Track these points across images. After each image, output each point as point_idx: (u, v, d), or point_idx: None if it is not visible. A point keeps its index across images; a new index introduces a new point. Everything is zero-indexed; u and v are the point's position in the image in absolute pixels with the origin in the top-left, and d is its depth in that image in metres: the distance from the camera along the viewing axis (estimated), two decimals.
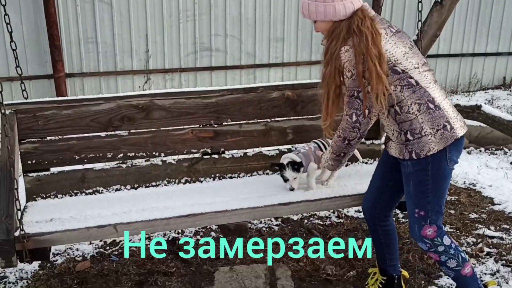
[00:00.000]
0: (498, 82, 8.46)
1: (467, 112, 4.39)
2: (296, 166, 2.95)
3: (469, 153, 5.55)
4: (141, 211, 2.82)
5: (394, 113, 2.48)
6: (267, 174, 3.39)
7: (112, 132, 3.15)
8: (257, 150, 3.39)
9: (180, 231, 3.76)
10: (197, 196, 3.03)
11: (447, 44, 7.97)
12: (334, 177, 3.16)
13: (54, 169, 3.10)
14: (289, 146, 3.40)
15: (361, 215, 4.08)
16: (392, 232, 2.88)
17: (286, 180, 3.00)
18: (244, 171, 3.37)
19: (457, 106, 4.57)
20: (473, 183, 4.72)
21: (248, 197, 2.96)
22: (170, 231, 3.68)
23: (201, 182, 3.30)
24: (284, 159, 3.00)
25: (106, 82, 6.71)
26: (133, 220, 2.70)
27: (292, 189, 3.00)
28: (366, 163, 3.54)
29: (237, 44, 7.08)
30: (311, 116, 3.43)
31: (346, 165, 3.49)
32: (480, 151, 5.58)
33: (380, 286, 2.92)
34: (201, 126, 3.27)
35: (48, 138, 3.06)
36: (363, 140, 3.47)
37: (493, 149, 5.61)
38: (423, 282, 3.12)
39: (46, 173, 3.08)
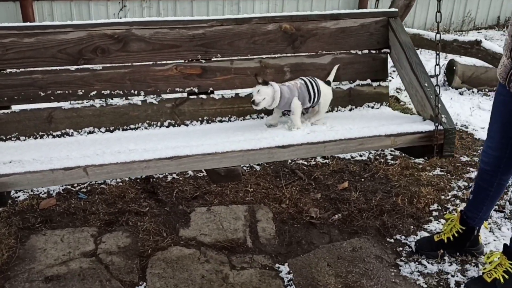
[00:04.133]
0: (492, 21, 8.22)
1: (465, 48, 4.15)
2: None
3: (461, 94, 5.43)
4: (116, 154, 2.41)
5: None
6: (262, 117, 3.00)
7: (83, 66, 2.72)
8: (250, 90, 2.98)
9: None
10: (182, 139, 2.64)
11: None
12: (322, 117, 2.85)
13: (15, 107, 2.68)
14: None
15: (348, 156, 3.99)
16: (505, 186, 2.77)
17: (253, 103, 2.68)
18: (236, 114, 2.97)
19: (455, 41, 4.31)
20: (465, 125, 4.58)
21: (241, 140, 2.57)
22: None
23: (187, 125, 2.90)
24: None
25: (78, 8, 6.13)
26: (107, 162, 2.30)
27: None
28: (372, 107, 3.16)
29: None
30: (311, 53, 3.03)
31: (350, 109, 3.12)
32: (473, 92, 5.45)
33: (456, 235, 2.77)
34: (186, 61, 2.86)
35: (8, 70, 2.62)
36: (368, 81, 3.12)
37: (487, 90, 5.46)
38: (412, 227, 3.04)
39: (5, 111, 2.66)
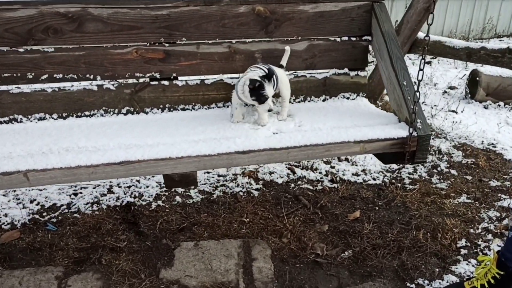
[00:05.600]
0: None
1: (495, 56, 3.71)
2: (271, 78, 2.46)
3: (485, 107, 4.88)
4: (64, 152, 2.25)
5: None
6: (228, 106, 2.82)
7: (34, 47, 2.50)
8: (217, 77, 2.78)
9: (137, 194, 3.23)
10: (138, 132, 2.47)
11: None
12: (286, 109, 2.67)
13: None
14: None
15: (360, 179, 3.52)
16: None
17: (265, 99, 2.45)
18: (200, 102, 2.78)
19: (482, 49, 3.89)
20: (492, 144, 4.09)
21: (199, 140, 2.41)
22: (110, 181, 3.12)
23: (147, 113, 2.72)
24: (254, 74, 2.46)
25: None
26: (50, 167, 2.14)
27: (271, 110, 2.52)
28: (348, 98, 2.98)
29: None
30: (285, 38, 2.80)
31: (324, 100, 2.94)
32: (499, 105, 4.89)
33: (493, 281, 2.25)
34: (148, 44, 2.63)
35: None
36: (346, 70, 2.92)
37: None
38: (437, 269, 2.57)
39: None
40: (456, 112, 4.90)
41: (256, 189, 3.34)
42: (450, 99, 5.36)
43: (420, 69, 2.50)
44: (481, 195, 3.29)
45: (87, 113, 2.63)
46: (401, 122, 2.64)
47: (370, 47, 2.94)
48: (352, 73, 2.95)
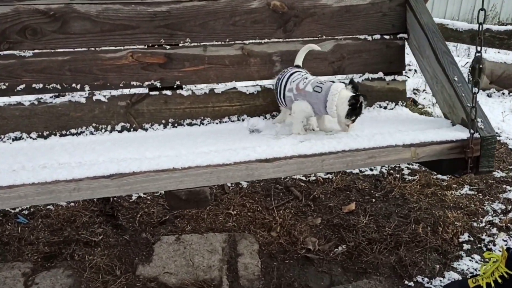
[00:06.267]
0: None
1: (500, 39, 3.45)
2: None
3: (489, 95, 4.70)
4: (39, 169, 1.77)
5: None
6: (243, 120, 2.35)
7: (8, 52, 2.09)
8: (229, 85, 2.34)
9: None
10: (135, 148, 2.00)
11: None
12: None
13: None
14: (272, 81, 2.35)
15: (356, 170, 3.22)
16: None
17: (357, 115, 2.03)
18: (210, 116, 2.32)
19: (487, 31, 3.61)
20: (497, 133, 3.85)
21: (212, 151, 1.92)
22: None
23: (146, 130, 2.25)
24: (347, 89, 2.03)
25: None
26: (19, 183, 1.65)
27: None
28: (385, 107, 2.51)
29: None
30: (307, 38, 2.38)
31: None
32: (503, 94, 4.71)
33: (500, 281, 2.05)
34: (146, 46, 2.22)
35: None
36: (381, 75, 2.47)
37: None
38: (437, 265, 2.34)
39: None
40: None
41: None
42: None
43: (478, 52, 2.06)
44: (485, 187, 3.09)
45: (73, 130, 2.17)
46: (456, 125, 2.16)
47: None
48: (388, 78, 2.50)
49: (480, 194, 3.00)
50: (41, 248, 2.37)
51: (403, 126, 2.21)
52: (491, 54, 4.78)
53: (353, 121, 2.04)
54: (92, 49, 2.16)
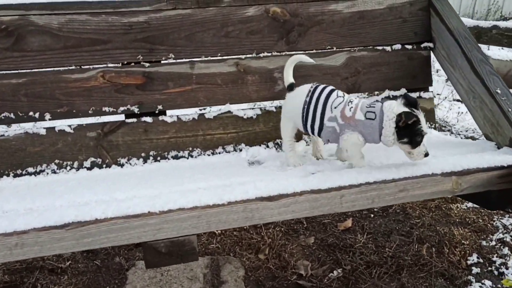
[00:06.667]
0: None
1: (509, 37, 3.07)
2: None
3: None
4: None
5: None
6: (241, 150, 1.94)
7: None
8: (223, 108, 1.94)
9: None
10: (103, 189, 1.59)
11: None
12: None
13: None
14: (278, 102, 1.95)
15: None
16: None
17: (422, 138, 1.58)
18: (200, 146, 1.92)
19: (494, 28, 3.26)
20: None
21: (199, 188, 1.51)
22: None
23: (122, 166, 1.85)
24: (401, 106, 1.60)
25: None
26: None
27: (427, 154, 1.61)
28: None
29: None
30: (314, 50, 1.99)
31: None
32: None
33: None
34: (120, 64, 1.83)
35: None
36: (403, 91, 2.08)
37: None
38: None
39: None
40: (462, 102, 4.28)
41: None
42: None
43: None
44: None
45: (30, 169, 1.77)
46: (503, 148, 1.76)
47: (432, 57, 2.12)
48: (413, 95, 2.10)
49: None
50: (0, 277, 2.09)
51: (438, 150, 1.81)
52: (495, 51, 4.59)
53: (414, 146, 1.58)
54: (54, 69, 1.77)
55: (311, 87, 1.70)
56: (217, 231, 2.33)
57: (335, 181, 1.51)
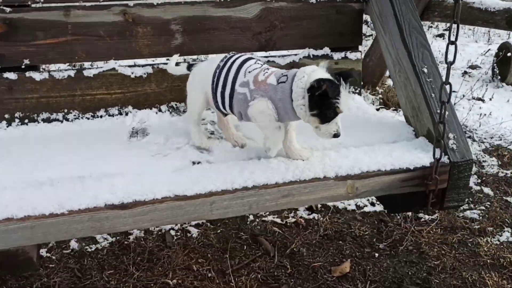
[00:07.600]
0: None
1: None
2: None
3: None
4: None
5: None
6: (127, 114, 1.69)
7: None
8: (107, 65, 1.66)
9: None
10: None
11: None
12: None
13: None
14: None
15: (351, 205, 2.46)
16: None
17: (335, 114, 1.35)
18: (78, 108, 1.69)
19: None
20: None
21: (43, 184, 1.29)
22: None
23: None
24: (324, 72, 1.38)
25: None
26: None
27: (337, 135, 1.39)
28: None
29: None
30: None
31: None
32: None
33: None
34: None
35: None
36: (326, 51, 1.80)
37: None
38: None
39: None
40: (483, 101, 4.00)
41: (197, 225, 2.23)
42: (473, 82, 4.36)
43: (451, 42, 1.39)
44: None
45: None
46: (419, 138, 1.55)
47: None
48: (337, 55, 1.85)
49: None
50: None
51: (348, 134, 1.56)
52: None
53: (323, 121, 1.34)
54: None
55: (227, 54, 1.44)
56: (172, 280, 1.89)
57: (208, 184, 1.31)
